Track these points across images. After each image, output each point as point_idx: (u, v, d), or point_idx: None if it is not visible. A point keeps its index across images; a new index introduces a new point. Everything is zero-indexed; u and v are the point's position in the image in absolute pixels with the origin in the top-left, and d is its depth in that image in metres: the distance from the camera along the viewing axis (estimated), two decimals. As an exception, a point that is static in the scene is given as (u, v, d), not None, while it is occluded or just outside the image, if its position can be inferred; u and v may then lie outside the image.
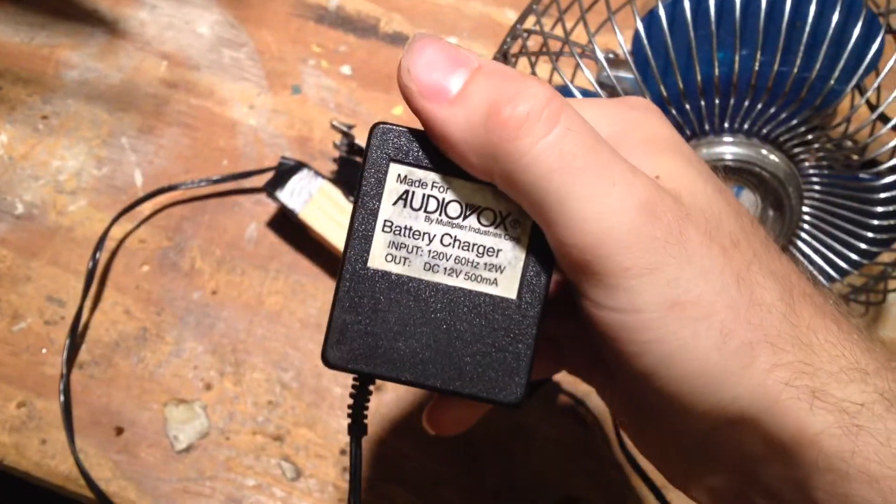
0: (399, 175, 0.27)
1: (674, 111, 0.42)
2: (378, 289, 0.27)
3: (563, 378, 0.51)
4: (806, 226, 0.45)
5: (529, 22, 0.47)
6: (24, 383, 0.49)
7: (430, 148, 0.27)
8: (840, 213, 0.44)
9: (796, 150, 0.43)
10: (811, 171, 0.44)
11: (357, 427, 0.30)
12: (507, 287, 0.27)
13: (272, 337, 0.52)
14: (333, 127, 0.53)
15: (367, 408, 0.30)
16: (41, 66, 0.59)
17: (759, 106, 0.42)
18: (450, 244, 0.27)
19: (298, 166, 0.52)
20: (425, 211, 0.27)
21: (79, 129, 0.57)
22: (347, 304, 0.27)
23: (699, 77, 0.41)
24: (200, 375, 0.50)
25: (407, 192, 0.27)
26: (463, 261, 0.27)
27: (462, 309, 0.27)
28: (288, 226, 0.55)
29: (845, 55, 0.40)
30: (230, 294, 0.53)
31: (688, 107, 0.42)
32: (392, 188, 0.27)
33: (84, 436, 0.48)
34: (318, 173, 0.53)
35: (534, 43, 0.57)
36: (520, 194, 0.25)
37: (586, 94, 0.43)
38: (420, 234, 0.27)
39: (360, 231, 0.27)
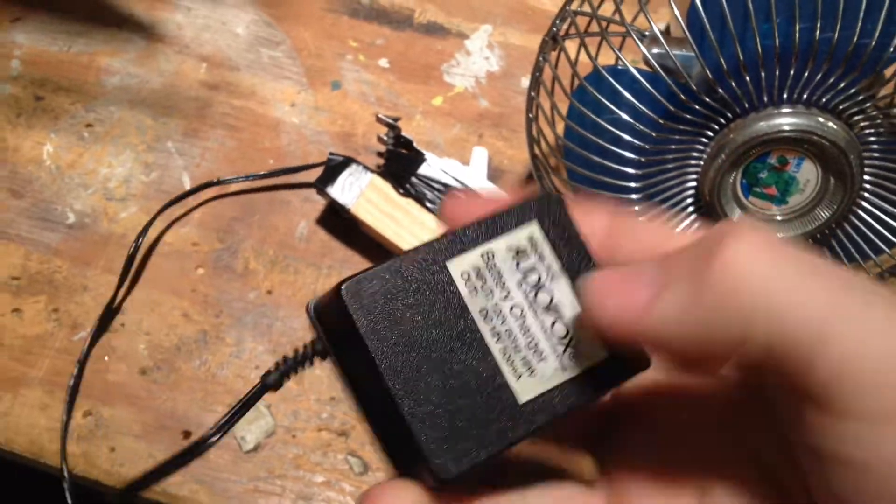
0: (531, 236, 0.25)
1: (733, 84, 0.41)
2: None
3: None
4: (867, 194, 0.45)
5: (576, 2, 0.47)
6: (89, 392, 0.49)
7: (574, 242, 0.26)
8: (903, 179, 0.44)
9: (856, 118, 0.43)
10: (871, 139, 0.43)
11: None
12: (525, 389, 0.25)
13: (330, 333, 0.52)
14: (379, 120, 0.53)
15: None
16: (82, 74, 0.59)
17: (818, 75, 0.41)
18: (516, 316, 0.25)
19: (347, 161, 0.52)
20: (524, 275, 0.25)
21: (124, 135, 0.57)
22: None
23: (759, 47, 0.40)
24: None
25: (525, 250, 0.25)
26: (512, 336, 0.25)
27: (478, 368, 0.24)
28: (337, 222, 0.55)
29: (904, 19, 0.40)
30: (285, 293, 0.53)
31: (747, 79, 0.41)
32: (519, 236, 0.25)
33: (152, 441, 0.48)
34: (367, 167, 0.52)
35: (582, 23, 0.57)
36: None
37: (640, 72, 0.43)
38: (503, 286, 0.25)
39: (466, 237, 0.25)
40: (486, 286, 0.25)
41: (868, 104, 0.42)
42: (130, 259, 0.52)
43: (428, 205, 0.52)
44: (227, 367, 0.50)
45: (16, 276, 0.52)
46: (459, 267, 0.25)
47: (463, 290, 0.25)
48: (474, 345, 0.24)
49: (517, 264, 0.25)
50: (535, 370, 0.25)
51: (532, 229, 0.26)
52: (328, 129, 0.58)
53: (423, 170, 0.53)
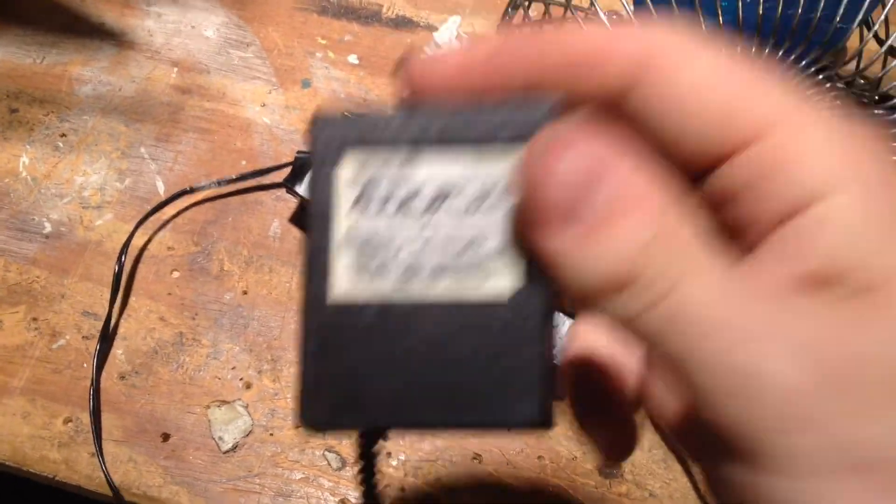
0: (355, 167, 0.21)
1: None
2: (348, 324, 0.21)
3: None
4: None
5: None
6: (69, 399, 0.50)
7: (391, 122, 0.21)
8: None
9: (808, 92, 0.43)
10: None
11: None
12: (497, 284, 0.21)
13: (306, 330, 0.52)
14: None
15: (375, 475, 0.26)
16: (55, 84, 0.59)
17: (766, 51, 0.41)
18: (425, 244, 0.21)
19: (315, 159, 0.53)
20: (395, 205, 0.21)
21: (98, 143, 0.57)
22: (315, 352, 0.21)
23: (704, 28, 0.40)
24: (239, 375, 0.51)
25: (367, 184, 0.21)
26: (444, 265, 0.21)
27: (451, 324, 0.21)
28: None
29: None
30: (260, 292, 0.53)
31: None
32: (346, 186, 0.21)
33: (132, 444, 0.49)
34: (334, 164, 0.53)
35: (536, 12, 0.57)
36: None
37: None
38: (390, 240, 0.21)
39: (316, 256, 0.21)
40: (380, 263, 0.21)
41: (820, 77, 0.42)
42: (117, 278, 0.52)
43: (396, 199, 0.52)
44: (205, 368, 0.51)
45: (-5, 288, 0.53)
46: (342, 282, 0.22)
47: (365, 296, 0.22)
48: (430, 313, 0.21)
49: (375, 207, 0.21)
50: (488, 258, 0.21)
51: (347, 162, 0.22)
52: (299, 128, 0.58)
53: (391, 164, 0.53)
